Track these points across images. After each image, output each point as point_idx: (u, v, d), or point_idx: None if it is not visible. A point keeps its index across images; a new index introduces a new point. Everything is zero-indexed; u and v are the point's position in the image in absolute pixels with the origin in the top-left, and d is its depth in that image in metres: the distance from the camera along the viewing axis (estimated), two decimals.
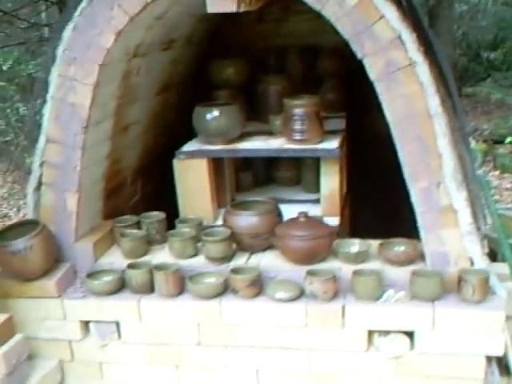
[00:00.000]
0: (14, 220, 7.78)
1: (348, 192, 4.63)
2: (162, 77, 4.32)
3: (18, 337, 3.28)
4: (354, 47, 3.11)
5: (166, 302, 3.35)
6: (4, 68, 10.56)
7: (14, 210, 8.44)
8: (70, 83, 3.38)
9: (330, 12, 3.09)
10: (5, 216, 8.18)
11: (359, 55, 3.11)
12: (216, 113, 4.07)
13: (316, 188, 4.34)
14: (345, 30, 3.10)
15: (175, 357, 3.43)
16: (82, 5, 3.30)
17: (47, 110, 3.45)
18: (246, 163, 4.77)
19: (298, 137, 3.95)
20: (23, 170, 9.67)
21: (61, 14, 8.12)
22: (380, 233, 3.55)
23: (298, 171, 4.70)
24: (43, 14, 10.08)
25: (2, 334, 3.20)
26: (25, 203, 8.49)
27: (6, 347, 3.19)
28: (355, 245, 3.50)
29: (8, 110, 10.81)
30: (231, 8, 3.23)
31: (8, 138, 10.57)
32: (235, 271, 3.33)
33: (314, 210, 3.99)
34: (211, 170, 4.12)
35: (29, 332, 3.43)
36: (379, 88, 3.13)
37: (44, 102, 3.46)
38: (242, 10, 3.30)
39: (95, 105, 3.42)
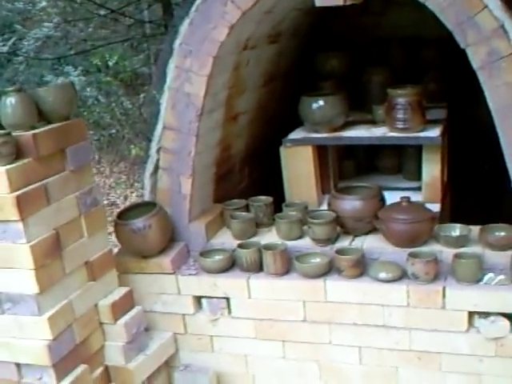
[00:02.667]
0: (121, 207, 8.07)
1: (449, 181, 4.66)
2: (269, 68, 4.46)
3: (137, 309, 3.50)
4: (457, 37, 3.14)
5: (273, 280, 3.51)
6: (110, 64, 11.00)
7: (121, 198, 8.77)
8: (185, 74, 3.58)
9: (434, 3, 3.13)
10: (112, 204, 8.48)
11: (462, 45, 3.14)
12: (321, 102, 4.21)
13: (417, 176, 4.41)
14: (448, 20, 3.13)
15: (282, 332, 3.58)
16: (198, 1, 3.49)
17: (164, 100, 3.67)
18: (348, 152, 4.88)
19: (400, 125, 4.04)
20: (128, 161, 10.09)
21: (164, 11, 8.42)
22: (480, 223, 3.55)
23: (399, 160, 4.77)
24: (145, 12, 10.44)
25: (123, 306, 3.43)
26: (131, 192, 8.89)
27: (127, 317, 3.42)
28: (456, 229, 3.54)
29: (113, 104, 11.24)
30: (338, 1, 3.34)
31: (113, 131, 10.99)
32: (340, 252, 3.45)
33: (415, 197, 4.00)
34: (316, 158, 4.27)
35: (146, 306, 3.65)
36: (482, 76, 3.14)
37: (162, 92, 3.69)
38: (348, 3, 3.39)
39: (208, 94, 3.61)
